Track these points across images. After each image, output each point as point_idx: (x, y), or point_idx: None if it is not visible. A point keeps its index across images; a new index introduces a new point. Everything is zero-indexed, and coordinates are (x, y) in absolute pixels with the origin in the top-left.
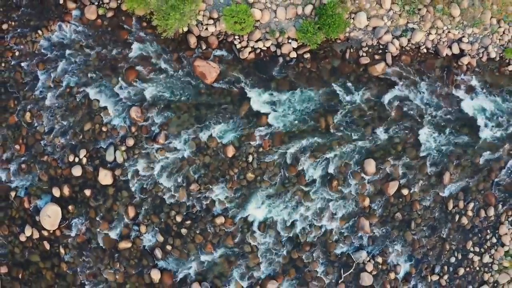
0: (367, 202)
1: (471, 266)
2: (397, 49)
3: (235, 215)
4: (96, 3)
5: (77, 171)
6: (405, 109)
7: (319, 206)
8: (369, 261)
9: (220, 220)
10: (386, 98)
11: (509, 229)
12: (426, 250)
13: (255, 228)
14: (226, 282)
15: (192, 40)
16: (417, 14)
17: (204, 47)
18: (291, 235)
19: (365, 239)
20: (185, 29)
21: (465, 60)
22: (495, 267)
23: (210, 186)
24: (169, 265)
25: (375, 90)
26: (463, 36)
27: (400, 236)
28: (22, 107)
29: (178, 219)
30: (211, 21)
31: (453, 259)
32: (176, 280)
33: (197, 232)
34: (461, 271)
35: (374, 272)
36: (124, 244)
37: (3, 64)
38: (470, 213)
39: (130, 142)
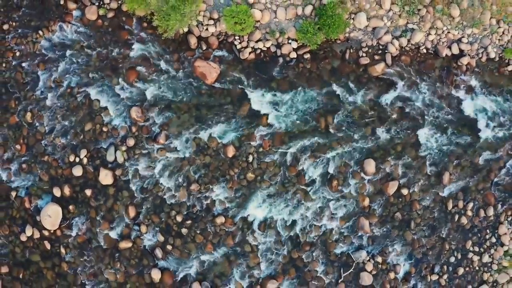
0: (367, 202)
1: (471, 266)
2: (396, 49)
3: (235, 215)
4: (97, 4)
5: (77, 171)
6: (404, 109)
7: (319, 206)
8: (369, 260)
9: (220, 220)
10: (386, 98)
11: (508, 228)
12: (426, 249)
13: (255, 227)
14: (226, 281)
15: (193, 41)
16: (416, 15)
17: (204, 47)
18: (291, 234)
19: (365, 238)
20: (186, 29)
21: (464, 60)
22: (495, 267)
23: (211, 186)
24: (169, 265)
25: (374, 90)
26: (463, 37)
27: (400, 235)
28: (23, 107)
29: (179, 219)
30: (212, 22)
31: (452, 259)
32: (176, 280)
33: (198, 231)
34: (461, 270)
35: (374, 272)
36: (125, 244)
37: (4, 65)
38: (469, 213)
39: (131, 142)
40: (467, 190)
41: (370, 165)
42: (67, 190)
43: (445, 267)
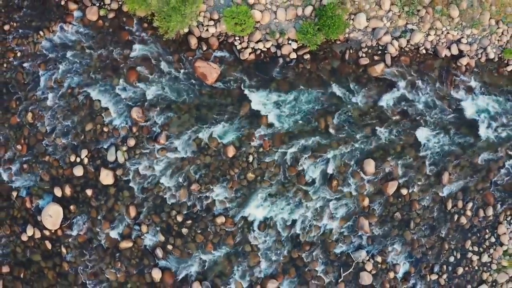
0: (366, 202)
1: (470, 266)
2: (396, 50)
3: (235, 215)
4: (98, 4)
5: (78, 171)
6: (404, 109)
7: (319, 206)
8: (368, 260)
9: (220, 219)
10: (385, 98)
11: (507, 228)
12: (425, 249)
13: (256, 227)
14: (226, 281)
15: (193, 41)
16: (416, 15)
17: (204, 48)
18: (291, 234)
19: (364, 238)
20: (186, 30)
21: (464, 60)
22: (494, 267)
23: (211, 186)
24: (170, 265)
25: (374, 90)
26: (462, 37)
27: (400, 235)
28: (24, 108)
29: (179, 218)
30: (212, 23)
31: (452, 259)
32: (177, 280)
33: (198, 231)
34: (460, 270)
35: (374, 271)
36: (126, 244)
37: (5, 65)
38: (469, 213)
39: (132, 142)
40: (466, 190)
41: (370, 165)
42: (68, 190)
43: (444, 266)
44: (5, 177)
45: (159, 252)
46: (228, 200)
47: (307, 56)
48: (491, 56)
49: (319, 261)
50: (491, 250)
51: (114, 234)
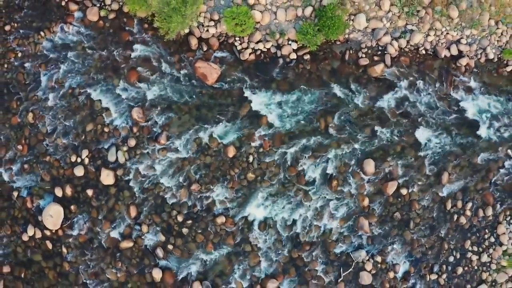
0: (366, 201)
1: (470, 265)
2: (396, 50)
3: (235, 215)
4: (98, 5)
5: (79, 171)
6: (404, 109)
7: (319, 206)
8: (368, 260)
9: (221, 219)
10: (385, 98)
11: (507, 228)
12: (425, 249)
13: (256, 227)
14: (226, 281)
15: (193, 42)
16: (416, 16)
17: (205, 48)
18: (291, 234)
19: (364, 238)
20: (187, 31)
21: (463, 61)
22: (493, 266)
23: (211, 186)
24: (170, 264)
25: (374, 91)
26: (462, 38)
27: (399, 235)
28: (24, 108)
29: (180, 218)
30: (212, 23)
31: (451, 258)
32: (177, 279)
33: (198, 231)
34: (460, 270)
35: (374, 271)
36: (126, 244)
37: (6, 65)
38: (468, 213)
39: (132, 142)
40: (466, 190)
41: (370, 165)
42: (68, 190)
43: (444, 266)
44: (6, 177)
45: (159, 252)
46: (228, 200)
47: (307, 57)
48: (491, 56)
49: (319, 261)
50: (491, 250)
51: (114, 234)
